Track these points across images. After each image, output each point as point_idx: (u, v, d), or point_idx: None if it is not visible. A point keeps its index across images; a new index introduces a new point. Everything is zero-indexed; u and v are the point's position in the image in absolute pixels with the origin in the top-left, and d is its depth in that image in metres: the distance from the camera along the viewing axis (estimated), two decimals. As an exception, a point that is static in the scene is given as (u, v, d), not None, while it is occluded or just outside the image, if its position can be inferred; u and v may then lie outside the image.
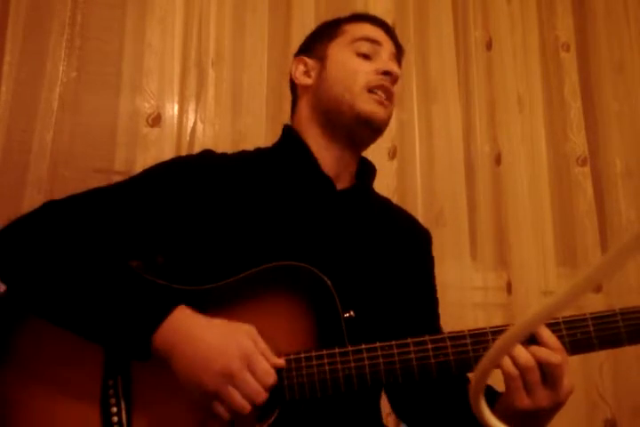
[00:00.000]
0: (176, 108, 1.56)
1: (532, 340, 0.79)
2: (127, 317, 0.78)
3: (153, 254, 0.93)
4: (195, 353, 0.75)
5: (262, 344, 0.78)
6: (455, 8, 1.96)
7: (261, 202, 0.95)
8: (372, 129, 1.00)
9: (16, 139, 1.39)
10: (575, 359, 1.79)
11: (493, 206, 1.87)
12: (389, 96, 1.01)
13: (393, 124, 1.75)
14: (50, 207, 0.90)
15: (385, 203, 1.13)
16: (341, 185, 1.03)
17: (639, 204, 1.96)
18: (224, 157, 1.04)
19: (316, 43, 1.09)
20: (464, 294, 1.70)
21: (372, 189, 1.10)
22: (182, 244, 0.92)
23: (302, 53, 1.10)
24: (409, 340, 0.80)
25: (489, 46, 1.96)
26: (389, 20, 1.81)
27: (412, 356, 0.79)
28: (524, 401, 0.76)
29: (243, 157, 1.04)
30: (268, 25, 1.66)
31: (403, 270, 1.01)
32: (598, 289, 1.82)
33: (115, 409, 0.81)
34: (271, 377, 0.76)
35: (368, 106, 0.98)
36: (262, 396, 0.75)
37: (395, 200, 1.70)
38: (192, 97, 1.56)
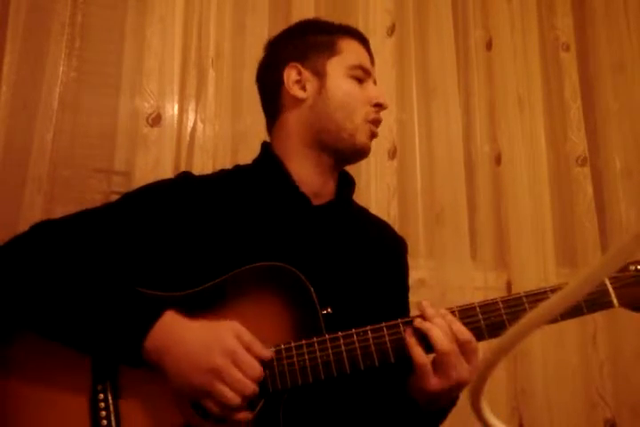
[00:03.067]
0: (176, 108, 1.55)
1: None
2: (117, 325, 0.81)
3: (137, 272, 0.95)
4: (182, 353, 0.79)
5: (248, 336, 0.81)
6: (455, 8, 1.96)
7: (240, 218, 0.98)
8: (361, 158, 1.08)
9: (16, 139, 1.38)
10: (575, 359, 1.80)
11: (493, 206, 1.87)
12: (379, 125, 1.09)
13: (393, 124, 1.76)
14: (40, 228, 0.93)
15: (362, 214, 1.17)
16: (321, 199, 1.06)
17: (639, 204, 1.96)
18: (202, 177, 1.07)
19: (312, 53, 1.07)
20: (464, 294, 1.70)
21: (351, 202, 1.14)
22: (165, 262, 0.94)
23: (295, 59, 1.08)
24: (383, 324, 0.85)
25: (489, 46, 1.96)
26: (389, 20, 1.82)
27: (387, 339, 0.84)
28: (415, 385, 0.85)
29: (221, 178, 1.07)
30: (268, 25, 1.66)
31: (376, 275, 1.05)
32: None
33: (104, 413, 0.82)
34: (257, 370, 0.79)
35: (365, 139, 1.05)
36: (250, 387, 0.78)
37: (395, 200, 1.71)
38: (192, 97, 1.56)
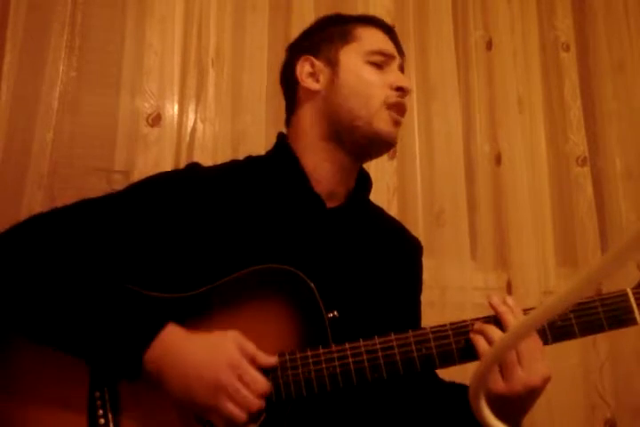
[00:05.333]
0: (176, 108, 1.55)
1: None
2: (116, 337, 0.78)
3: (138, 269, 0.91)
4: (184, 369, 0.76)
5: (250, 347, 0.78)
6: (455, 8, 1.96)
7: (249, 216, 0.94)
8: (386, 148, 1.03)
9: (16, 139, 1.38)
10: (575, 359, 1.81)
11: (493, 206, 1.87)
12: (403, 113, 1.01)
13: (393, 124, 1.76)
14: (33, 223, 0.89)
15: (377, 215, 1.13)
16: (336, 198, 1.02)
17: (639, 204, 1.96)
18: (211, 169, 1.02)
19: (325, 44, 1.04)
20: (464, 295, 1.70)
21: (367, 202, 1.10)
22: (170, 258, 0.91)
23: (308, 52, 1.04)
24: (392, 336, 0.82)
25: (489, 46, 1.96)
26: (389, 20, 1.81)
27: (396, 351, 0.81)
28: (498, 384, 0.77)
29: (231, 169, 1.01)
30: (267, 25, 1.66)
31: (387, 279, 1.01)
32: (599, 290, 1.82)
33: (102, 421, 0.80)
34: (263, 385, 0.77)
35: (386, 126, 0.98)
36: (256, 404, 0.76)
37: (395, 200, 1.71)
38: (192, 97, 1.56)
